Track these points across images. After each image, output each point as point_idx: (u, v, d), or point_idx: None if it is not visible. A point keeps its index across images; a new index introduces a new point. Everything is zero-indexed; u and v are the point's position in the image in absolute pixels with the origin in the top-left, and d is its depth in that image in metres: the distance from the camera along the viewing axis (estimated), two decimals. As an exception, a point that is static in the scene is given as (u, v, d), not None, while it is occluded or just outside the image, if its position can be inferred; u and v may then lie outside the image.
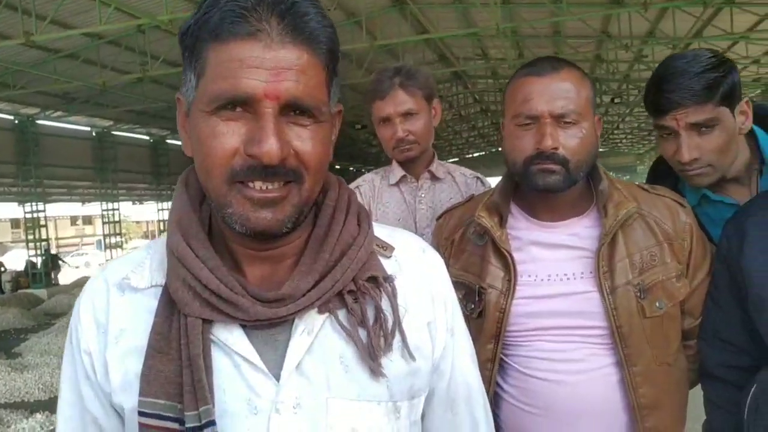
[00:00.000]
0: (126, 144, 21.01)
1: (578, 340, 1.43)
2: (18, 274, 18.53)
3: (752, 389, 1.31)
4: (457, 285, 1.07)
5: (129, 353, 0.89)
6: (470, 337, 1.07)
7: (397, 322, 0.91)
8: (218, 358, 0.86)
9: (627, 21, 12.61)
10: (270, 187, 0.82)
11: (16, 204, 18.67)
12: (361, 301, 0.90)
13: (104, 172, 20.01)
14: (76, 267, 28.70)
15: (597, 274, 1.41)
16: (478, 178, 2.24)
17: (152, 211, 26.75)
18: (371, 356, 0.88)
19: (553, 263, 1.46)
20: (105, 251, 22.73)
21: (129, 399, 0.87)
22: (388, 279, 0.93)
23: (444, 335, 0.99)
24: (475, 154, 39.57)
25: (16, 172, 16.72)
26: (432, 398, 1.01)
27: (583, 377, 1.41)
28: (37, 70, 12.69)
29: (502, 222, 1.49)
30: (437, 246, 1.57)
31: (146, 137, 22.29)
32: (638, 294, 1.40)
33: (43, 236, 18.21)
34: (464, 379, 1.03)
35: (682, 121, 1.50)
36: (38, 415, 6.21)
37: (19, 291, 16.45)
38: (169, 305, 0.88)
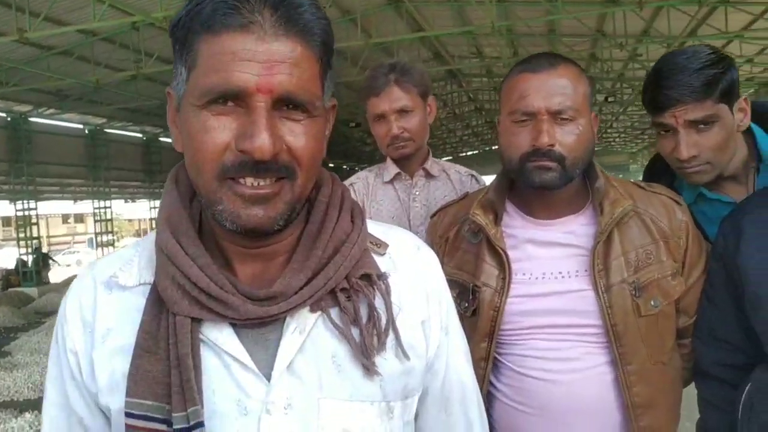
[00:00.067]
0: (119, 142, 20.92)
1: (573, 339, 1.42)
2: (8, 272, 18.43)
3: (747, 388, 1.31)
4: (451, 283, 1.06)
5: (116, 353, 0.87)
6: (465, 336, 1.06)
7: (391, 320, 0.89)
8: (207, 358, 0.85)
9: (622, 20, 12.63)
10: (262, 183, 0.80)
11: (7, 202, 18.56)
12: (354, 299, 0.88)
13: (97, 169, 19.90)
14: (68, 265, 28.59)
15: (592, 272, 1.40)
16: (472, 175, 2.23)
17: (144, 210, 26.67)
18: (365, 355, 0.86)
19: (548, 261, 1.45)
20: (96, 249, 22.62)
21: (116, 400, 0.86)
22: (382, 277, 0.92)
23: (438, 334, 0.97)
24: (469, 153, 39.62)
25: (8, 169, 16.61)
26: (426, 398, 1.00)
27: (577, 376, 1.40)
28: (31, 67, 12.63)
29: (497, 220, 1.48)
30: (431, 244, 1.55)
31: (139, 135, 22.20)
32: (633, 292, 1.39)
33: (35, 234, 18.12)
34: (458, 379, 1.02)
35: (681, 118, 1.49)
36: (27, 415, 6.18)
37: (10, 289, 16.34)
38: (157, 304, 0.86)
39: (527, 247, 1.47)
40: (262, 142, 0.76)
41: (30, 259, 17.65)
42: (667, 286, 1.42)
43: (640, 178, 1.91)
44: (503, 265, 1.44)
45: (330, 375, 0.86)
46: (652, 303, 1.40)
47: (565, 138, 1.37)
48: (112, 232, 22.74)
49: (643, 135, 35.84)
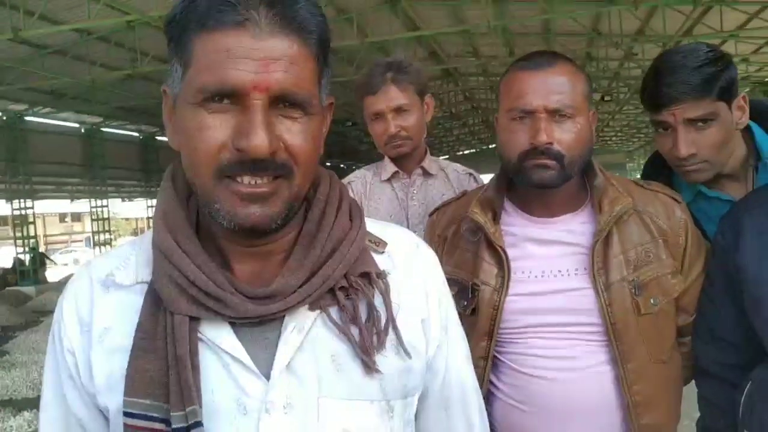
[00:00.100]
0: (115, 141, 20.85)
1: (572, 338, 1.41)
2: (6, 271, 18.36)
3: (747, 387, 1.31)
4: (450, 282, 1.06)
5: (114, 352, 0.86)
6: (464, 335, 1.06)
7: (391, 319, 0.89)
8: (206, 357, 0.84)
9: (617, 19, 12.63)
10: (259, 182, 0.79)
11: (3, 201, 18.51)
12: (354, 297, 0.88)
13: (93, 168, 19.85)
14: (65, 264, 28.49)
15: (591, 270, 1.40)
16: (471, 174, 2.23)
17: (142, 208, 26.59)
18: (364, 353, 0.86)
19: (547, 260, 1.44)
20: (94, 248, 22.57)
21: (114, 399, 0.85)
22: (381, 275, 0.91)
23: (438, 332, 0.97)
24: (466, 152, 39.60)
25: (4, 168, 16.55)
26: (426, 397, 0.99)
27: (577, 375, 1.40)
28: (26, 66, 12.57)
29: (496, 218, 1.48)
30: (429, 242, 1.54)
31: (136, 134, 22.14)
32: (633, 291, 1.39)
33: (32, 233, 18.08)
34: (458, 378, 1.01)
35: (680, 116, 1.49)
36: (26, 413, 6.17)
37: (7, 288, 16.29)
38: (155, 302, 0.85)
39: (526, 246, 1.47)
40: (258, 141, 0.76)
41: (27, 258, 17.60)
42: (667, 284, 1.42)
43: (637, 176, 1.91)
44: (502, 263, 1.44)
45: (329, 374, 0.86)
46: (652, 301, 1.40)
47: (564, 136, 1.37)
48: (109, 231, 22.70)
49: (639, 134, 35.86)
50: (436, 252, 1.07)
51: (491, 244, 1.45)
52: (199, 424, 0.80)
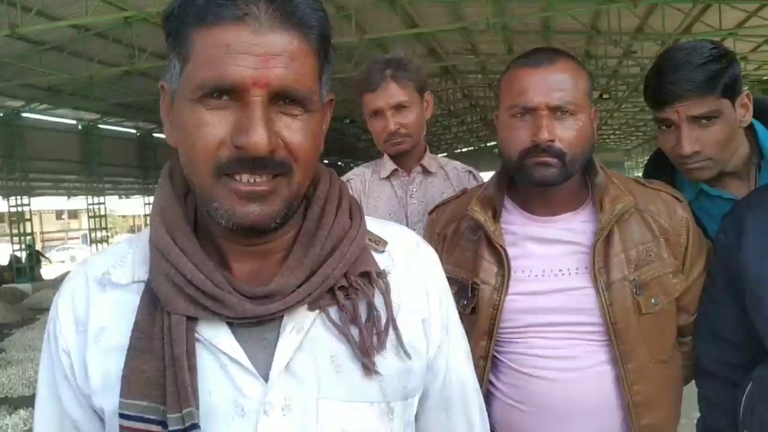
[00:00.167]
0: (112, 137, 20.83)
1: (573, 337, 1.41)
2: (2, 268, 18.33)
3: (748, 387, 1.30)
4: (450, 281, 1.04)
5: (110, 352, 0.85)
6: (465, 335, 1.05)
7: (391, 319, 0.88)
8: (203, 358, 0.83)
9: (616, 17, 12.63)
10: (258, 180, 0.78)
11: (0, 198, 18.47)
12: (353, 297, 0.87)
13: (90, 165, 19.82)
14: (62, 261, 28.47)
15: (592, 269, 1.39)
16: (470, 172, 2.21)
17: (139, 206, 26.56)
18: (364, 354, 0.85)
19: (548, 259, 1.43)
20: (90, 246, 22.54)
21: (110, 400, 0.84)
22: (381, 275, 0.90)
23: (438, 332, 0.96)
24: (464, 149, 39.61)
25: (1, 165, 16.53)
26: (426, 398, 0.98)
27: (577, 374, 1.39)
28: (23, 62, 12.54)
29: (496, 216, 1.47)
30: (429, 241, 1.53)
31: (133, 131, 22.11)
32: (634, 290, 1.38)
33: (28, 230, 18.05)
34: (459, 379, 1.00)
35: (683, 113, 1.47)
36: (22, 411, 6.14)
37: (3, 285, 16.26)
38: (151, 302, 0.84)
39: (526, 244, 1.46)
40: (258, 138, 0.75)
41: (24, 255, 17.57)
42: (668, 283, 1.41)
43: (635, 174, 1.90)
44: (502, 262, 1.43)
45: (329, 375, 0.85)
46: (653, 301, 1.39)
47: (565, 133, 1.36)
48: (106, 228, 22.68)
49: (637, 132, 35.93)
50: (436, 250, 1.05)
51: (491, 242, 1.44)
52: (196, 426, 0.79)
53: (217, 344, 0.83)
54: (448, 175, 2.18)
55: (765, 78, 17.80)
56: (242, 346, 0.83)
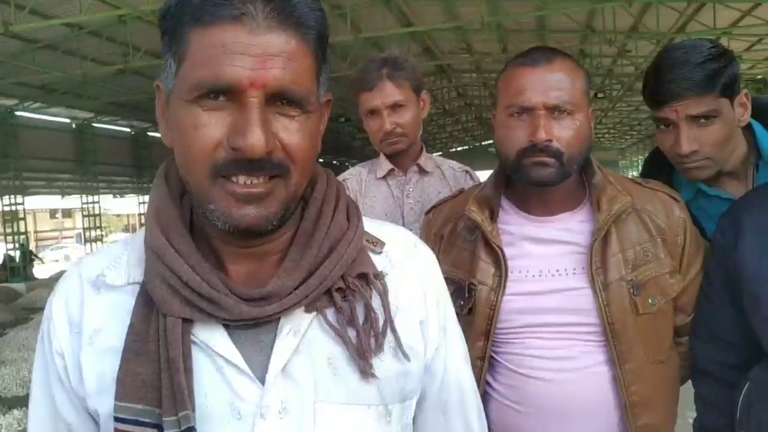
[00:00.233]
0: (107, 136, 20.75)
1: (570, 338, 1.40)
2: (-5, 267, 18.27)
3: (745, 387, 1.30)
4: (447, 281, 1.04)
5: (105, 355, 0.84)
6: (463, 336, 1.04)
7: (389, 321, 0.87)
8: (199, 360, 0.82)
9: (611, 16, 12.66)
10: (254, 181, 0.77)
11: (-6, 197, 18.39)
12: (351, 299, 0.86)
13: (84, 164, 19.76)
14: (56, 260, 28.37)
15: (589, 269, 1.38)
16: (467, 171, 2.21)
17: (133, 205, 26.51)
18: (361, 357, 0.84)
19: (545, 259, 1.43)
20: (85, 245, 22.47)
21: (105, 403, 0.83)
22: (379, 276, 0.89)
23: (436, 334, 0.95)
24: (459, 149, 39.63)
25: (-5, 164, 16.48)
26: (423, 401, 0.97)
27: (574, 375, 1.39)
28: (16, 60, 12.49)
29: (493, 216, 1.46)
30: (426, 241, 1.53)
31: (127, 129, 22.04)
32: (631, 290, 1.38)
33: (22, 230, 17.98)
34: (457, 380, 0.99)
35: (682, 112, 1.47)
36: (16, 411, 6.12)
37: (-3, 285, 16.21)
38: (147, 304, 0.83)
39: (524, 245, 1.45)
40: (255, 140, 0.74)
41: (17, 254, 17.50)
42: (665, 284, 1.41)
43: (630, 174, 1.90)
44: (499, 262, 1.42)
45: (326, 378, 0.84)
46: (650, 301, 1.39)
47: (563, 133, 1.35)
48: (100, 227, 22.60)
49: (632, 131, 36.00)
50: (433, 251, 1.05)
51: (488, 242, 1.44)
52: (192, 429, 0.78)
53: (213, 346, 0.82)
54: (444, 175, 2.17)
55: (759, 77, 17.87)
56: (239, 349, 0.82)
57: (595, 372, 1.39)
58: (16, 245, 17.62)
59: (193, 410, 0.79)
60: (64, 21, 10.65)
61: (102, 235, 22.91)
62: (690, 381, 1.54)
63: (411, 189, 2.14)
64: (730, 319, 1.36)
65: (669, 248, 1.43)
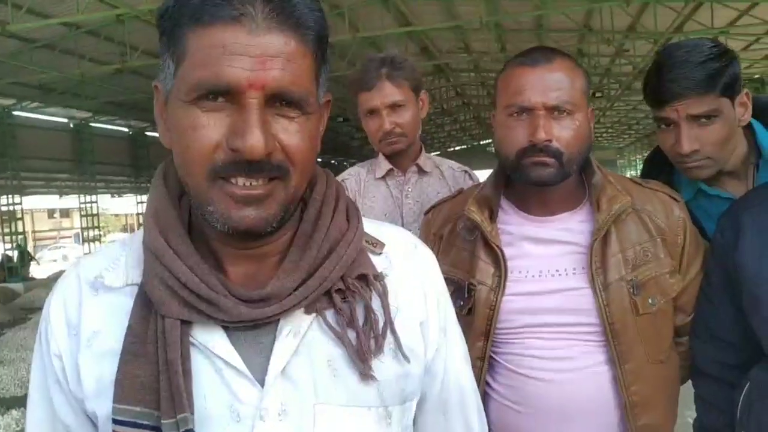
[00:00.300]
0: (105, 136, 20.74)
1: (570, 338, 1.40)
2: (-6, 267, 18.24)
3: (745, 387, 1.30)
4: (446, 281, 1.04)
5: (103, 357, 0.84)
6: (463, 336, 1.04)
7: (389, 322, 0.87)
8: (198, 362, 0.82)
9: (609, 15, 12.67)
10: (254, 183, 0.77)
11: (-9, 197, 18.37)
12: (351, 300, 0.85)
13: (82, 164, 19.74)
14: (54, 260, 28.34)
15: (589, 270, 1.38)
16: (466, 171, 2.21)
17: (131, 204, 26.48)
18: (361, 359, 0.83)
19: (545, 259, 1.43)
20: (83, 245, 22.45)
21: (103, 406, 0.82)
22: (379, 277, 0.89)
23: (437, 335, 0.95)
24: (457, 148, 39.65)
25: (-8, 164, 16.46)
26: (424, 402, 0.97)
27: (574, 375, 1.39)
28: (14, 60, 12.46)
29: (493, 216, 1.46)
30: (425, 241, 1.53)
31: (125, 129, 22.02)
32: (631, 290, 1.38)
33: (20, 229, 17.96)
34: (457, 382, 0.99)
35: (683, 111, 1.47)
36: (14, 412, 6.11)
37: (-5, 285, 16.19)
38: (145, 305, 0.83)
39: (523, 245, 1.45)
40: (254, 141, 0.73)
41: (16, 254, 17.48)
42: (665, 283, 1.41)
43: (628, 173, 1.90)
44: (499, 262, 1.42)
45: (325, 379, 0.84)
46: (650, 301, 1.39)
47: (563, 133, 1.35)
48: (98, 227, 22.58)
49: (630, 130, 36.05)
50: (432, 251, 1.04)
51: (488, 243, 1.44)
52: (190, 431, 0.77)
53: (212, 348, 0.82)
54: (443, 175, 2.17)
55: (756, 76, 17.90)
56: (238, 350, 0.82)
57: (595, 372, 1.39)
58: (14, 245, 17.59)
59: (192, 413, 0.78)
60: (61, 20, 10.64)
61: (100, 235, 22.90)
62: (689, 381, 1.54)
63: (410, 189, 2.13)
64: (730, 319, 1.36)
65: (669, 248, 1.42)
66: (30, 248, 21.14)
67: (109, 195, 26.30)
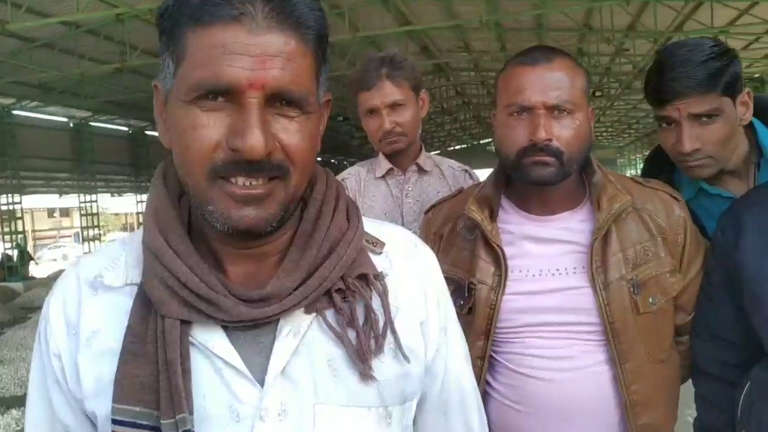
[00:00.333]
0: (104, 135, 20.74)
1: (570, 337, 1.40)
2: (-6, 267, 18.24)
3: (746, 386, 1.29)
4: (446, 281, 1.04)
5: (102, 356, 0.84)
6: (463, 336, 1.03)
7: (389, 322, 0.86)
8: (198, 362, 0.81)
9: (609, 14, 12.67)
10: (254, 183, 0.77)
11: (-9, 196, 18.37)
12: (351, 300, 0.85)
13: (82, 163, 19.74)
14: (54, 260, 28.33)
15: (590, 269, 1.38)
16: (466, 170, 2.20)
17: (131, 204, 26.48)
18: (361, 359, 0.83)
19: (546, 258, 1.43)
20: (83, 244, 22.44)
21: (102, 405, 0.82)
22: (379, 277, 0.88)
23: (437, 335, 0.94)
24: (457, 147, 39.64)
25: (-8, 163, 16.46)
26: (424, 402, 0.97)
27: (574, 374, 1.39)
28: (13, 59, 12.46)
29: (493, 216, 1.46)
30: (425, 241, 1.53)
31: (125, 128, 22.02)
32: (632, 289, 1.38)
33: (19, 229, 17.96)
34: (457, 381, 0.99)
35: (684, 110, 1.47)
36: (14, 411, 6.10)
37: (-5, 284, 16.18)
38: (145, 305, 0.82)
39: (524, 244, 1.45)
40: (254, 141, 0.73)
41: (15, 253, 17.48)
42: (666, 283, 1.41)
43: (627, 172, 1.90)
44: (499, 261, 1.42)
45: (325, 379, 0.83)
46: (651, 300, 1.39)
47: (563, 132, 1.35)
48: (98, 226, 22.58)
49: (630, 129, 36.04)
50: (432, 250, 1.04)
51: (488, 242, 1.43)
52: None
53: (211, 348, 0.81)
54: (443, 174, 2.17)
55: (756, 75, 17.90)
56: (237, 350, 0.82)
57: (595, 371, 1.39)
58: (14, 244, 17.59)
59: (191, 413, 0.78)
60: (61, 19, 10.63)
61: (100, 234, 22.89)
62: (690, 380, 1.54)
63: (410, 188, 2.13)
64: (731, 318, 1.36)
65: (669, 247, 1.42)
66: (30, 247, 21.14)
67: (109, 194, 26.27)
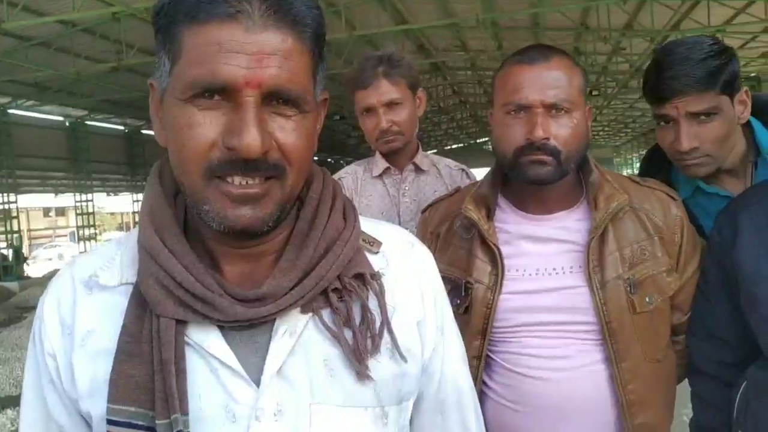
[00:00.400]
0: (100, 134, 20.72)
1: (567, 336, 1.40)
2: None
3: (742, 385, 1.30)
4: (443, 280, 1.03)
5: (97, 356, 0.83)
6: (460, 336, 1.03)
7: (386, 322, 0.86)
8: (193, 362, 0.81)
9: (605, 13, 12.69)
10: (250, 182, 0.76)
11: (-13, 195, 18.31)
12: (347, 299, 0.85)
13: (78, 162, 19.70)
14: (49, 259, 28.25)
15: (586, 268, 1.38)
16: (463, 170, 2.20)
17: (127, 203, 26.42)
18: (357, 358, 0.83)
19: (542, 257, 1.42)
20: (78, 243, 22.40)
21: (97, 406, 0.82)
22: (376, 276, 0.88)
23: (433, 334, 0.94)
24: (454, 146, 39.65)
25: (-12, 162, 16.42)
26: (421, 402, 0.96)
27: (571, 374, 1.38)
28: (9, 58, 12.43)
29: (490, 215, 1.46)
30: (422, 240, 1.52)
31: (121, 127, 21.99)
32: (628, 289, 1.37)
33: (15, 228, 17.92)
34: (454, 381, 0.99)
35: (682, 109, 1.47)
36: (9, 411, 6.09)
37: (-11, 284, 16.14)
38: (140, 305, 0.82)
39: (521, 243, 1.45)
40: (250, 140, 0.72)
41: (10, 253, 17.43)
42: (662, 282, 1.41)
43: (624, 171, 1.90)
44: (496, 261, 1.42)
45: (322, 379, 0.83)
46: (647, 300, 1.39)
47: (560, 131, 1.35)
48: (94, 225, 22.53)
49: (626, 128, 36.09)
50: (429, 249, 1.04)
51: (485, 241, 1.43)
52: None
53: (207, 348, 0.81)
54: (440, 173, 2.16)
55: (753, 74, 17.94)
56: (233, 350, 0.81)
57: (591, 371, 1.39)
58: (9, 244, 17.55)
59: (187, 413, 0.78)
60: (57, 18, 10.61)
61: (96, 234, 22.84)
62: (686, 379, 1.54)
63: (407, 187, 2.13)
64: (727, 317, 1.36)
65: (666, 246, 1.42)
66: (25, 247, 21.08)
67: (105, 193, 26.22)
